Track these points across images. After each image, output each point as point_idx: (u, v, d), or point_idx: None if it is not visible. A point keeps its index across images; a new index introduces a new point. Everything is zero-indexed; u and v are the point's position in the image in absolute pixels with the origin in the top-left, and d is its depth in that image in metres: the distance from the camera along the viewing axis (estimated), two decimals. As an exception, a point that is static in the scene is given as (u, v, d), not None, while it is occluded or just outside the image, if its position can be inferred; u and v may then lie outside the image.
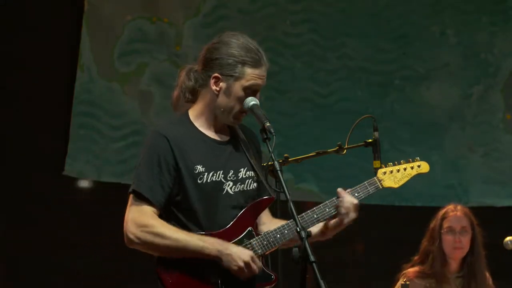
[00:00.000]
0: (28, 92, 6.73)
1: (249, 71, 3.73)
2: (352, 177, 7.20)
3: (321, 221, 3.86)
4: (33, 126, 6.72)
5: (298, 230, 3.43)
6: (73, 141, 6.84)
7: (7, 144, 6.69)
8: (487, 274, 5.47)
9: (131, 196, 3.69)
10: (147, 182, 3.65)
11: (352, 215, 3.87)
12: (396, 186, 4.08)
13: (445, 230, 5.42)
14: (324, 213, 3.85)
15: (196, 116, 3.79)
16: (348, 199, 3.85)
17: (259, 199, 3.79)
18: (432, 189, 7.32)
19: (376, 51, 7.41)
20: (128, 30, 7.02)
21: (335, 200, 3.85)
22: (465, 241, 5.41)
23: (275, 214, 3.97)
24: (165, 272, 3.67)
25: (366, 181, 3.97)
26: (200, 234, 3.66)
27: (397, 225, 7.20)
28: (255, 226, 3.79)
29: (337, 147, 4.75)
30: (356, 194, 3.90)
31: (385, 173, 4.06)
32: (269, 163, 3.68)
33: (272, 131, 3.64)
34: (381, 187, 4.01)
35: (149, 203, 3.65)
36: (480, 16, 7.50)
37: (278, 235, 3.75)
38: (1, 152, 6.68)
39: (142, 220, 3.64)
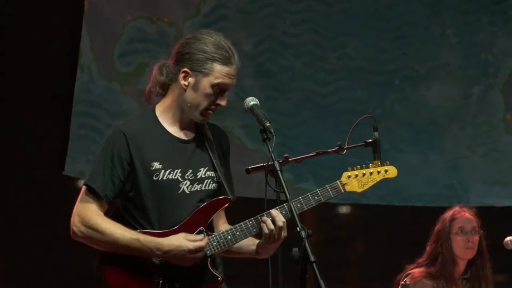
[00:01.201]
0: (28, 92, 6.73)
1: (218, 68, 3.72)
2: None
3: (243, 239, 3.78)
4: (33, 126, 6.72)
5: (298, 230, 3.42)
6: (73, 141, 6.84)
7: (7, 144, 6.69)
8: (492, 276, 5.48)
9: (82, 188, 3.75)
10: (99, 177, 3.71)
11: (277, 234, 3.72)
12: (359, 190, 3.98)
13: (456, 231, 5.43)
14: (246, 231, 3.77)
15: (162, 111, 3.81)
16: (276, 221, 3.71)
17: (213, 199, 3.78)
18: (432, 189, 7.33)
19: (376, 51, 7.41)
20: (128, 30, 7.02)
21: (259, 218, 3.75)
22: (475, 241, 5.43)
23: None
24: (108, 269, 3.73)
25: (328, 185, 3.91)
26: (143, 233, 3.68)
27: (397, 225, 7.20)
28: (209, 227, 3.78)
29: (337, 147, 4.74)
30: (316, 198, 3.84)
31: (349, 176, 3.98)
32: (269, 163, 3.68)
33: (272, 131, 3.64)
34: (343, 191, 3.93)
35: (99, 198, 3.71)
36: (480, 16, 7.50)
37: (229, 237, 3.75)
38: (1, 152, 6.68)
39: (87, 215, 3.70)
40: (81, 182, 6.86)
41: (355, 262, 7.41)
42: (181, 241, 3.66)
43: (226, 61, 3.73)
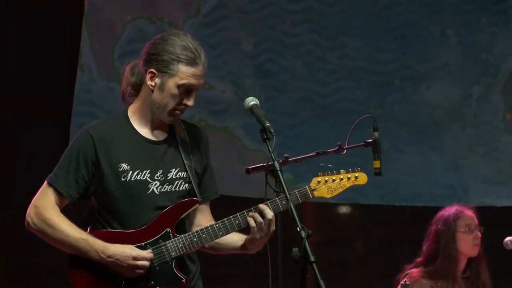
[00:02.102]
0: (28, 92, 6.73)
1: (183, 69, 3.73)
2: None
3: (229, 233, 3.79)
4: (33, 126, 6.72)
5: (298, 230, 3.42)
6: (73, 141, 6.83)
7: (7, 144, 6.69)
8: (489, 273, 5.49)
9: (44, 183, 3.82)
10: (62, 177, 3.76)
11: (266, 227, 3.74)
12: (329, 196, 3.96)
13: (463, 230, 5.43)
14: (233, 226, 3.78)
15: (134, 112, 3.83)
16: (265, 213, 3.73)
17: (180, 201, 3.79)
18: (432, 189, 7.32)
19: (376, 51, 7.41)
20: (128, 30, 7.02)
21: (246, 214, 3.77)
22: (480, 238, 5.44)
23: (275, 214, 3.95)
24: (74, 272, 3.80)
25: (297, 189, 3.90)
26: (95, 233, 3.71)
27: (397, 225, 7.20)
28: (180, 228, 3.78)
29: (337, 147, 4.75)
30: (284, 202, 3.79)
31: (319, 182, 3.97)
32: (269, 163, 3.68)
33: (272, 131, 3.64)
34: (311, 197, 3.92)
35: (58, 194, 3.76)
36: (480, 16, 7.50)
37: (195, 239, 3.75)
38: (1, 152, 6.68)
39: (42, 207, 3.75)
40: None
41: (355, 262, 7.40)
42: (126, 248, 3.68)
43: (191, 62, 3.73)
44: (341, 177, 4.00)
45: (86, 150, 3.74)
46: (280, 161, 4.58)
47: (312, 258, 3.33)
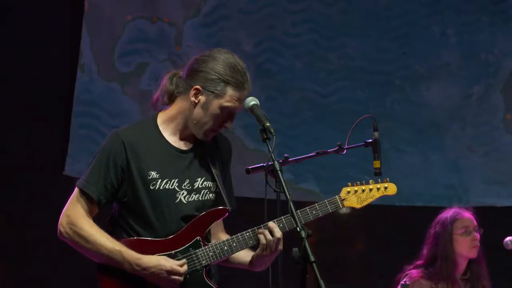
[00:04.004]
0: (28, 92, 6.73)
1: (230, 92, 3.72)
2: (352, 177, 7.20)
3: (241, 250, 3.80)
4: (33, 126, 6.72)
5: (298, 230, 3.42)
6: (73, 141, 6.84)
7: (7, 144, 6.69)
8: (488, 274, 5.49)
9: (75, 190, 3.76)
10: (93, 182, 3.71)
11: (274, 245, 3.75)
12: (358, 206, 4.01)
13: (461, 232, 5.43)
14: (243, 242, 3.79)
15: (165, 121, 3.81)
16: (274, 232, 3.74)
17: (211, 209, 3.79)
18: (432, 189, 7.32)
19: (376, 51, 7.41)
20: (128, 30, 7.02)
21: (256, 230, 3.78)
22: (478, 239, 5.44)
23: (275, 214, 3.96)
24: (103, 279, 3.74)
25: (327, 199, 3.92)
26: (129, 244, 3.68)
27: (397, 225, 7.20)
28: (206, 236, 3.79)
29: (337, 147, 4.75)
30: (314, 212, 3.83)
31: (349, 192, 3.99)
32: (269, 163, 3.68)
33: (273, 131, 3.64)
34: (341, 207, 3.95)
35: (91, 201, 3.72)
36: (480, 16, 7.50)
37: (226, 247, 3.76)
38: (1, 152, 6.68)
39: (74, 217, 3.71)
40: (81, 182, 6.90)
41: (355, 262, 7.40)
42: (160, 260, 3.67)
43: (239, 86, 3.73)
44: (371, 187, 4.03)
45: (117, 155, 3.72)
46: (280, 161, 4.59)
47: (312, 258, 3.33)
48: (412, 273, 5.45)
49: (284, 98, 7.27)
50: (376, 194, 4.04)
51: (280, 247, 3.76)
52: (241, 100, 3.74)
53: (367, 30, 7.40)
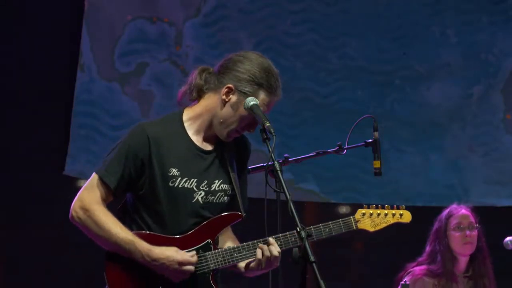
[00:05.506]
0: (28, 92, 6.73)
1: (263, 96, 3.71)
2: (352, 177, 7.20)
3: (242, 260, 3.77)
4: (33, 126, 6.72)
5: (298, 230, 3.42)
6: (73, 141, 6.84)
7: (7, 144, 6.69)
8: (493, 272, 5.49)
9: (92, 176, 3.74)
10: (112, 170, 3.69)
11: (271, 262, 3.72)
12: (371, 230, 4.00)
13: (452, 227, 5.45)
14: (253, 251, 3.75)
15: (191, 118, 3.78)
16: (272, 249, 3.70)
17: (226, 213, 3.77)
18: (432, 189, 7.33)
19: (376, 51, 7.41)
20: (128, 30, 7.02)
21: (257, 245, 3.74)
22: (474, 236, 5.44)
23: (275, 214, 3.96)
24: (110, 267, 3.70)
25: (342, 219, 3.89)
26: (140, 236, 3.65)
27: (397, 225, 7.19)
28: (216, 240, 3.77)
29: (337, 147, 4.75)
30: (327, 230, 3.81)
31: (364, 214, 3.98)
32: (269, 163, 3.67)
33: (272, 131, 3.63)
34: (355, 228, 3.93)
35: (107, 188, 3.69)
36: (480, 16, 7.50)
37: (236, 254, 3.73)
38: (1, 152, 6.68)
39: (88, 202, 3.68)
40: (81, 182, 6.89)
41: (355, 262, 7.41)
42: (172, 252, 3.64)
43: (272, 91, 3.72)
44: (386, 212, 4.05)
45: (139, 148, 3.69)
46: (280, 161, 4.59)
47: (312, 258, 3.32)
48: (415, 270, 5.46)
49: (284, 98, 7.24)
50: (391, 220, 4.07)
51: (277, 264, 3.73)
52: (270, 106, 3.73)
53: (367, 30, 7.40)
